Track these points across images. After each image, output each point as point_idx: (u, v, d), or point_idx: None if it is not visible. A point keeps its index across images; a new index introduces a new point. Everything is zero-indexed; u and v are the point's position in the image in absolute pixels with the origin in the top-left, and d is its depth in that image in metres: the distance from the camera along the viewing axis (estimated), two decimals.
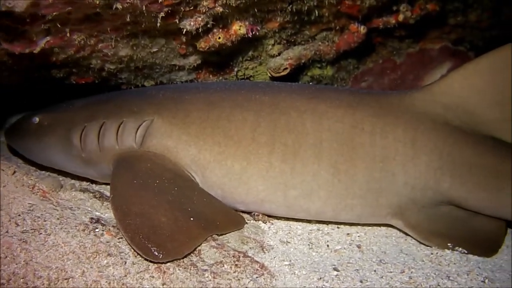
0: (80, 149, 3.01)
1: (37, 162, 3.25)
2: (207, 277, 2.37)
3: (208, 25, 2.73)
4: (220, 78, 3.49)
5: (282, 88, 3.02)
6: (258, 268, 2.50)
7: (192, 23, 2.65)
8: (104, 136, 2.97)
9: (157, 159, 2.86)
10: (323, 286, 2.45)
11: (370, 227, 3.04)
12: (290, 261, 2.63)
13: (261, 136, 2.82)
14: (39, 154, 3.19)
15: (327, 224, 3.03)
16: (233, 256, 2.53)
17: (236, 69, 3.47)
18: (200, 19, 2.64)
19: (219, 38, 2.83)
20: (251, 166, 2.82)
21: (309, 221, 3.03)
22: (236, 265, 2.48)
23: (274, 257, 2.64)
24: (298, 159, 2.81)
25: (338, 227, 3.01)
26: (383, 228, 3.05)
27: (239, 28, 2.81)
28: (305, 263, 2.63)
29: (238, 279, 2.40)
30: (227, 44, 2.90)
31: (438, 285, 2.51)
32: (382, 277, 2.56)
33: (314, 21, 3.03)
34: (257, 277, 2.44)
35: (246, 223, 2.83)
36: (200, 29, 2.71)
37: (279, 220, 3.01)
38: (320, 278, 2.49)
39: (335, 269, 2.59)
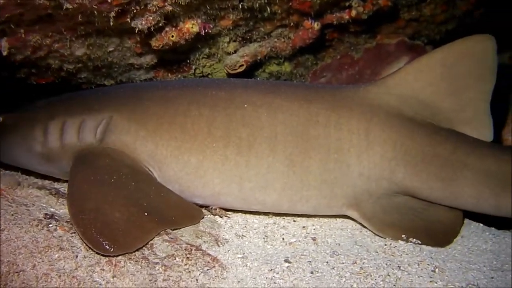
0: (43, 147, 3.14)
1: (1, 161, 3.38)
2: (158, 269, 2.49)
3: (160, 24, 2.87)
4: (179, 76, 3.62)
5: (238, 84, 3.15)
6: (210, 261, 2.62)
7: (143, 22, 2.78)
8: (66, 133, 3.11)
9: (116, 155, 2.99)
10: (273, 277, 2.56)
11: (326, 220, 3.15)
12: (244, 254, 2.74)
13: (217, 130, 2.95)
14: (3, 153, 3.32)
15: (284, 218, 3.14)
16: (185, 249, 2.64)
17: (194, 67, 3.60)
18: (151, 18, 2.77)
19: (172, 36, 2.95)
20: (207, 159, 2.94)
21: (265, 215, 3.15)
22: (187, 258, 2.59)
23: (228, 251, 2.75)
24: (253, 152, 2.93)
25: (294, 221, 3.12)
26: (339, 220, 3.16)
27: (191, 26, 2.93)
28: (258, 256, 2.74)
29: (189, 271, 2.51)
30: (180, 42, 3.03)
31: (388, 275, 2.62)
32: (333, 268, 2.66)
33: (267, 18, 3.14)
34: (208, 269, 2.55)
35: (203, 217, 2.94)
36: (152, 28, 2.84)
37: (236, 215, 3.13)
38: (271, 270, 2.60)
39: (287, 261, 2.69)
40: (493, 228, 3.26)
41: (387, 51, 3.65)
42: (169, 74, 3.58)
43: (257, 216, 3.14)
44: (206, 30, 2.97)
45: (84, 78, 3.56)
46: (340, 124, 2.98)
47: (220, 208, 3.07)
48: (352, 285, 2.52)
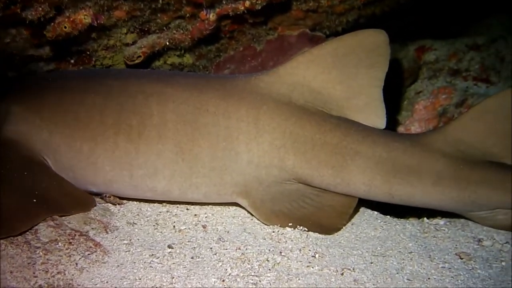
0: None
1: None
2: (38, 253, 2.70)
3: (51, 14, 3.05)
4: (80, 68, 3.80)
5: (133, 73, 3.41)
6: (92, 246, 2.83)
7: (33, 13, 2.98)
8: None
9: (11, 144, 3.19)
10: (152, 262, 2.76)
11: (219, 208, 3.37)
12: (130, 240, 2.96)
13: (108, 118, 3.17)
14: None
15: (177, 206, 3.37)
16: (69, 235, 2.85)
17: (94, 59, 3.81)
18: (40, 8, 2.97)
19: (65, 27, 3.16)
20: (98, 147, 3.16)
21: (160, 204, 3.38)
22: (70, 242, 2.80)
23: (116, 237, 2.97)
24: (143, 139, 3.15)
25: (187, 209, 3.35)
26: (231, 209, 3.39)
27: (84, 17, 3.14)
28: (145, 242, 2.96)
29: (69, 256, 2.72)
30: (74, 33, 3.24)
31: (267, 260, 2.83)
32: (215, 254, 2.88)
33: (162, 9, 3.35)
34: (89, 254, 2.77)
35: (95, 206, 3.15)
36: (42, 19, 3.03)
37: (131, 203, 3.37)
38: (152, 255, 2.82)
39: (170, 247, 2.90)
40: (388, 216, 3.44)
41: (289, 43, 3.84)
42: (70, 66, 3.79)
43: (151, 205, 3.37)
44: (98, 21, 3.18)
45: None
46: (229, 112, 3.19)
47: (115, 196, 3.27)
48: (226, 269, 2.73)
